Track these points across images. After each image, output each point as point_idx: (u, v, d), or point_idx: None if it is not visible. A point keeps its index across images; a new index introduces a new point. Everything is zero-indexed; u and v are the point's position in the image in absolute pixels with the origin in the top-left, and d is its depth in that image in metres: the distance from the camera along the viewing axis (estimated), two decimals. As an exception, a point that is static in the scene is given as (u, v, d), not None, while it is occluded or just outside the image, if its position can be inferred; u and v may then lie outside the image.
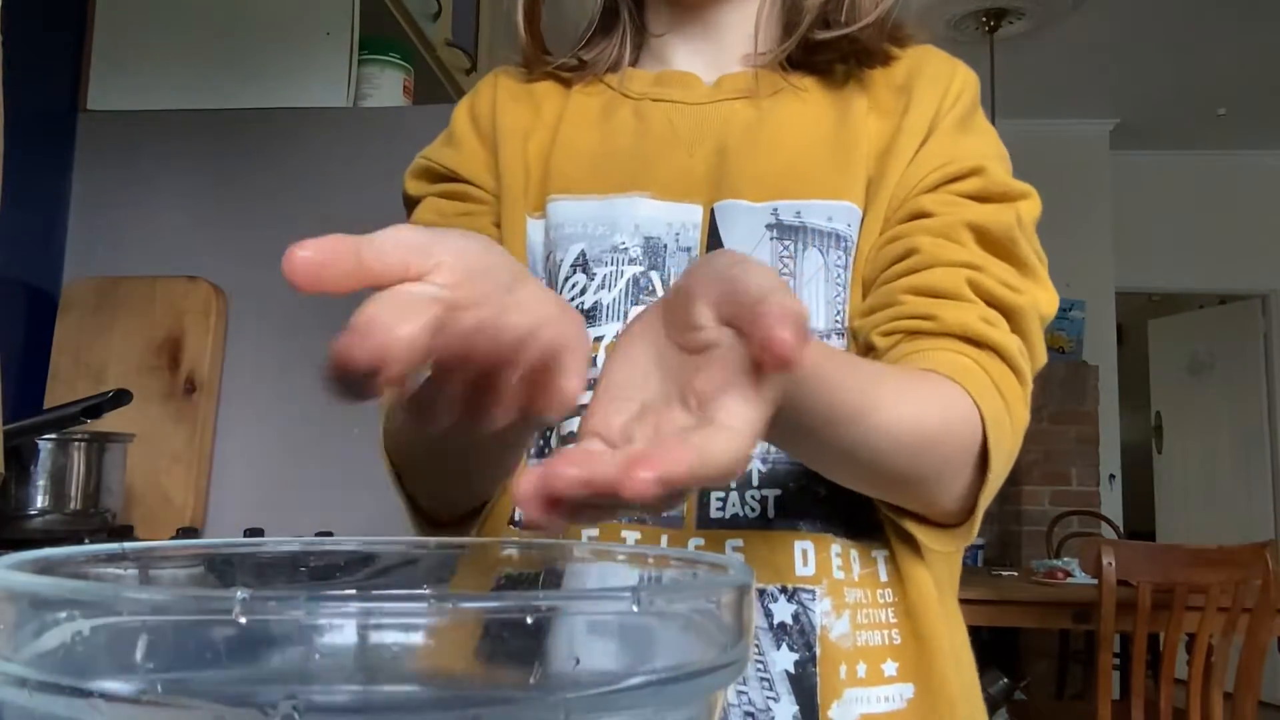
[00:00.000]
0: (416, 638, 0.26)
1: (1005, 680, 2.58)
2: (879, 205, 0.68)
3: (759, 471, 0.65)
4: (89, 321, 1.62)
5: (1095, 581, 2.52)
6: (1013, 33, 4.37)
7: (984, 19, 4.27)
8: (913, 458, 0.57)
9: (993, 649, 4.34)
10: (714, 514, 0.65)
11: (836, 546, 0.65)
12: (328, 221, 1.88)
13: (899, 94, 0.71)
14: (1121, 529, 4.99)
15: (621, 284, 0.68)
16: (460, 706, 0.25)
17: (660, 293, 0.68)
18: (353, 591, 0.40)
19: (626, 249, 0.69)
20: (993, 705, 2.61)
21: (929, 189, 0.67)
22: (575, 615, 0.27)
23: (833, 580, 0.64)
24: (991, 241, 0.66)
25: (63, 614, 0.26)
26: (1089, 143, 5.49)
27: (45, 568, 0.31)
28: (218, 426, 1.61)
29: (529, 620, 0.26)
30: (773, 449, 0.66)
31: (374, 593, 0.40)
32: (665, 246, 0.69)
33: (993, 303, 0.63)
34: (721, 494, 0.65)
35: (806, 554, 0.64)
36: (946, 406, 0.58)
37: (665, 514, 0.65)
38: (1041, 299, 0.66)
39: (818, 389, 0.49)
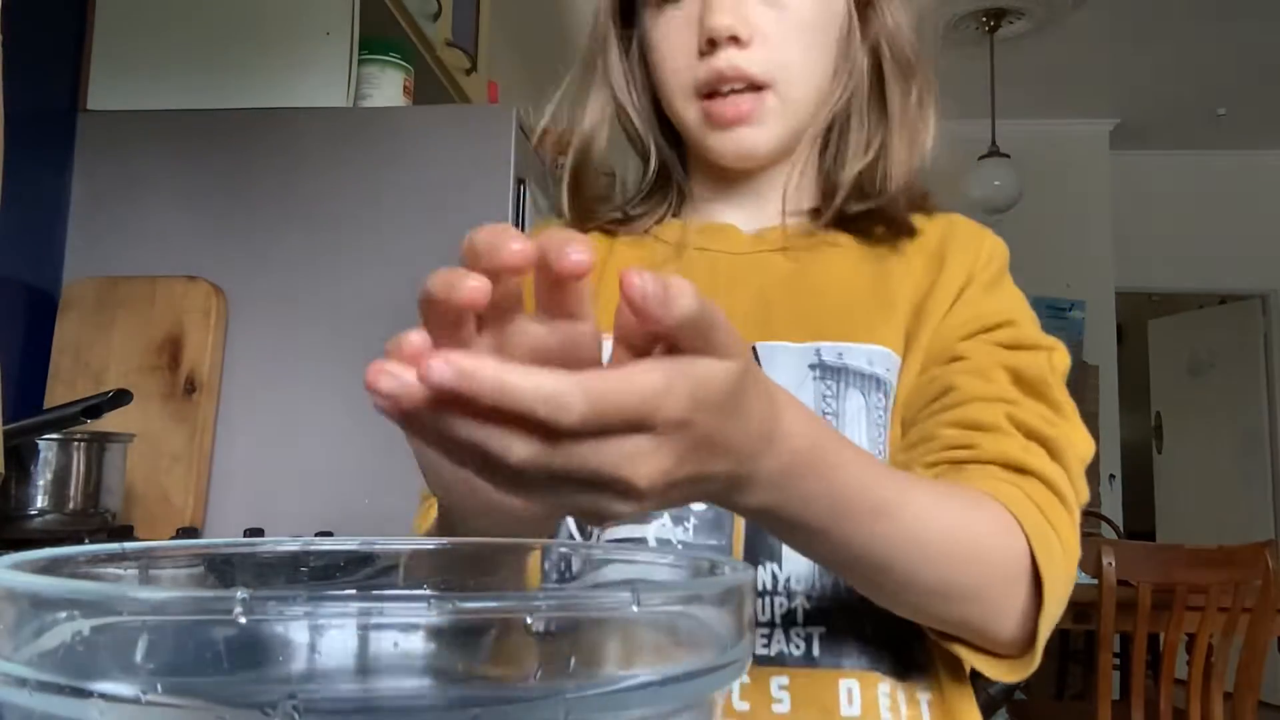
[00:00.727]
0: (416, 638, 0.26)
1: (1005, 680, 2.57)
2: (916, 354, 0.71)
3: (804, 609, 0.66)
4: (89, 321, 1.62)
5: (1095, 581, 2.51)
6: (1013, 33, 4.37)
7: (984, 19, 4.26)
8: (949, 569, 0.56)
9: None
10: (759, 651, 0.65)
11: (884, 686, 0.65)
12: (328, 221, 1.88)
13: (932, 258, 0.74)
14: (1121, 529, 4.99)
15: None
16: (460, 706, 0.25)
17: None
18: (353, 591, 0.40)
19: None
20: (993, 705, 2.61)
21: (964, 338, 0.70)
22: (576, 614, 0.27)
23: None
24: (1026, 383, 0.67)
25: (63, 614, 0.26)
26: (1089, 143, 5.49)
27: (45, 568, 0.31)
28: (218, 426, 1.61)
29: (529, 620, 0.26)
30: (818, 584, 0.66)
31: (374, 593, 0.40)
32: None
33: (1032, 435, 0.64)
34: (766, 631, 0.66)
35: (852, 693, 0.65)
36: (986, 520, 0.58)
37: None
38: (1078, 439, 0.66)
39: (840, 476, 0.48)
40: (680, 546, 0.67)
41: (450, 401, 0.33)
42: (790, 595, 0.66)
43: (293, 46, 1.75)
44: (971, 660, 0.62)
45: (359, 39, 1.76)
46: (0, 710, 0.26)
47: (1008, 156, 4.37)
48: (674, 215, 0.82)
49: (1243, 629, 2.51)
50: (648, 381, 0.35)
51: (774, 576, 0.66)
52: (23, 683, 0.25)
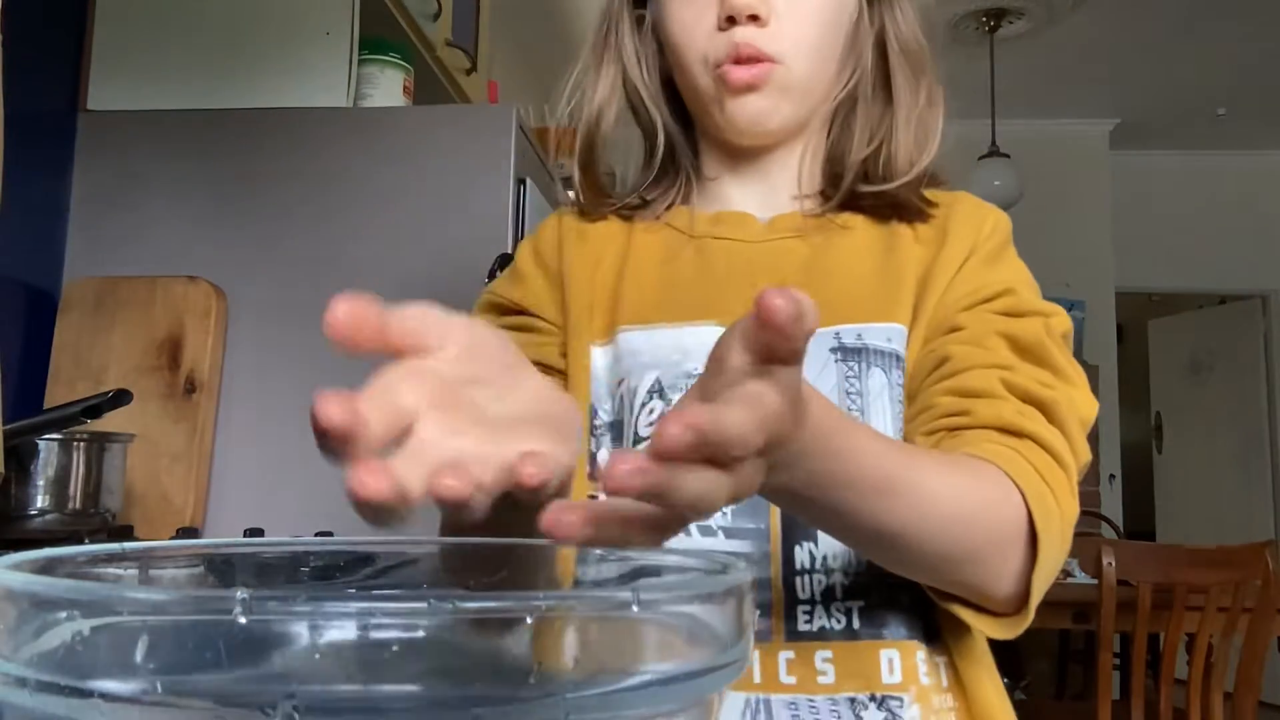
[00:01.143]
0: (416, 638, 0.26)
1: (1005, 680, 2.57)
2: (919, 327, 0.73)
3: (842, 585, 0.68)
4: (89, 321, 1.61)
5: (1095, 581, 2.51)
6: (1013, 33, 4.37)
7: (984, 19, 4.27)
8: (953, 534, 0.58)
9: (993, 649, 4.33)
10: (801, 627, 0.68)
11: (921, 653, 0.68)
12: (328, 221, 1.88)
13: (936, 234, 0.76)
14: (1121, 529, 4.99)
15: None
16: (460, 706, 0.25)
17: None
18: (353, 591, 0.40)
19: (699, 375, 0.72)
20: (993, 705, 2.60)
21: (964, 310, 0.71)
22: (576, 615, 0.27)
23: (920, 687, 0.67)
24: (1023, 348, 0.69)
25: (63, 614, 0.26)
26: (1089, 143, 5.49)
27: (45, 568, 0.31)
28: (218, 426, 1.61)
29: (529, 620, 0.26)
30: (854, 560, 0.68)
31: (374, 593, 0.40)
32: None
33: (1027, 399, 0.65)
34: (808, 608, 0.68)
35: (893, 662, 0.67)
36: (987, 486, 0.59)
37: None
38: (1079, 400, 0.67)
39: (850, 455, 0.50)
40: (720, 531, 0.70)
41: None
42: (828, 572, 0.68)
43: (293, 47, 1.75)
44: (968, 619, 0.64)
45: (359, 39, 1.76)
46: (0, 710, 0.26)
47: (1008, 156, 4.37)
48: (683, 202, 0.83)
49: (1243, 629, 2.51)
50: (772, 409, 0.38)
51: (811, 556, 0.68)
52: (23, 683, 0.25)
